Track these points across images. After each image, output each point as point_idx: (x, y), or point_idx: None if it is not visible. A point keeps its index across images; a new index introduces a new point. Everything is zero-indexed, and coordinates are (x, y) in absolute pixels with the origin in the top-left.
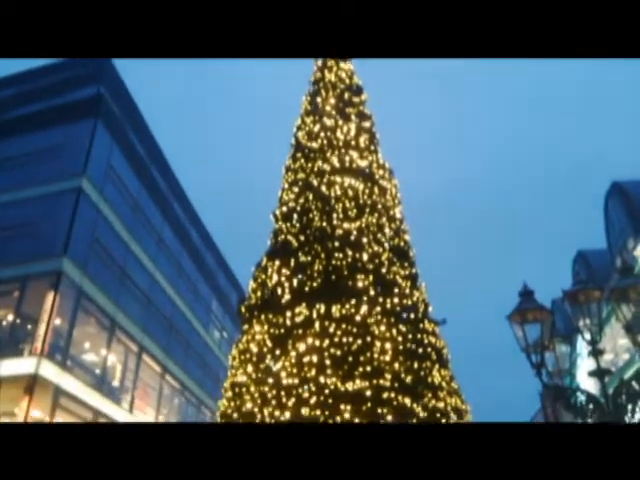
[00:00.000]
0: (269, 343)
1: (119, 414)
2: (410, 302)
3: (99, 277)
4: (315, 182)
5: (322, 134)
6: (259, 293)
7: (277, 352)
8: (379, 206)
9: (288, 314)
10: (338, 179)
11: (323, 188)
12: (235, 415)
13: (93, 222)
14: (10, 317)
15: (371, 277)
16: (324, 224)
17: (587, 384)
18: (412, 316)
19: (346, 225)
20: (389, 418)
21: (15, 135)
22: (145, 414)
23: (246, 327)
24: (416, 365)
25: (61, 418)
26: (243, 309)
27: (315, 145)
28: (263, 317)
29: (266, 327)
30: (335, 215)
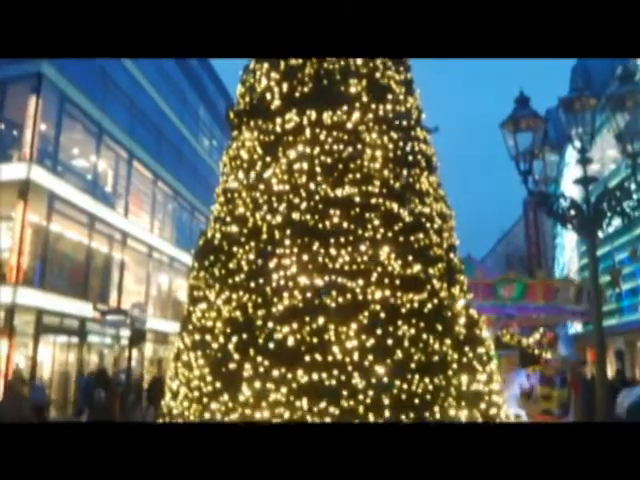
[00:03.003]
0: (259, 150)
1: (114, 218)
2: (403, 109)
3: (82, 81)
4: None
5: None
6: (247, 98)
7: (267, 159)
8: None
9: (278, 121)
10: None
11: None
12: (228, 219)
13: None
14: None
15: (364, 82)
16: None
17: (571, 193)
18: (404, 124)
19: None
20: (376, 223)
21: None
22: (139, 218)
23: (235, 134)
24: (405, 172)
25: (58, 223)
26: (232, 115)
27: None
28: (252, 123)
29: (256, 134)
30: None
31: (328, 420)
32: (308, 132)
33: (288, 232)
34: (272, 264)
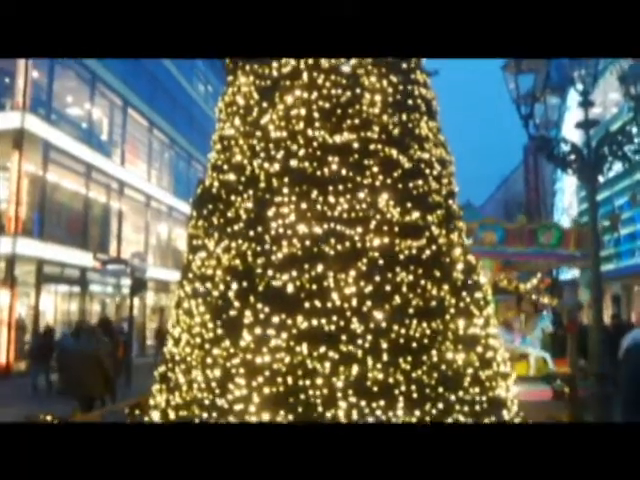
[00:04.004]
0: (255, 95)
1: (111, 167)
2: None
3: None
4: None
5: None
6: None
7: (264, 105)
8: None
9: (274, 64)
10: None
11: None
12: (225, 167)
13: None
14: None
15: None
16: None
17: (572, 138)
18: (404, 66)
19: None
20: (375, 169)
21: None
22: (136, 167)
23: (231, 79)
24: (404, 117)
25: (54, 172)
26: (227, 59)
27: None
28: (248, 68)
29: (251, 78)
30: None
31: (328, 365)
32: (305, 76)
33: (286, 180)
34: (270, 212)
